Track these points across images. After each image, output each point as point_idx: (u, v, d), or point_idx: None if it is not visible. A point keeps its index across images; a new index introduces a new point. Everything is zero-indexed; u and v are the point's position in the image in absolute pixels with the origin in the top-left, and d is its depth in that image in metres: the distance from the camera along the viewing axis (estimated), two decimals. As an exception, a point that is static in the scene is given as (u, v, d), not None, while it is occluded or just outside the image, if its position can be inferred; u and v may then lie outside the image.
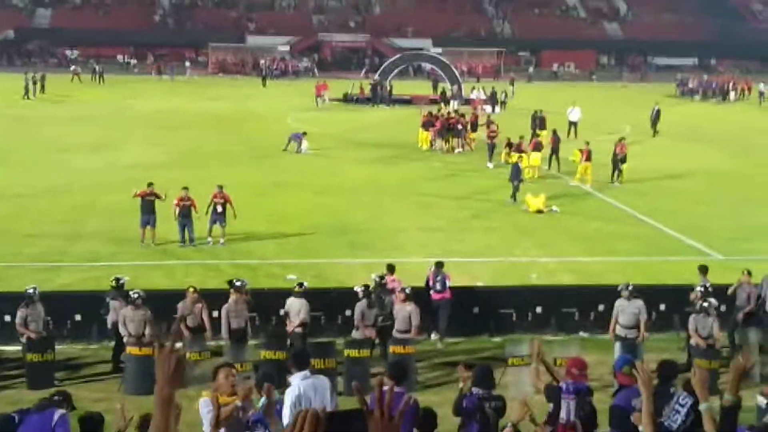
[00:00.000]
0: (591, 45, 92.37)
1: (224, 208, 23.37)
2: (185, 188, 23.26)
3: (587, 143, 32.47)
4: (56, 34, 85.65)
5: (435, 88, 62.37)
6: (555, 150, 35.12)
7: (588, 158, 32.05)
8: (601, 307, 17.68)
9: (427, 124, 40.62)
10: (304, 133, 39.01)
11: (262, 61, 79.07)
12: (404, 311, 15.81)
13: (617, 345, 15.54)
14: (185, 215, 23.06)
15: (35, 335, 15.34)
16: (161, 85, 68.90)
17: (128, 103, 55.25)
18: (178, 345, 3.79)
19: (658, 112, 46.24)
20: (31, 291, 15.64)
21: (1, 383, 15.22)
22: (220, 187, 23.69)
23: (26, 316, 15.40)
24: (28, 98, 55.97)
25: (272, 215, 26.85)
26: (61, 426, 9.45)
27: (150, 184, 23.44)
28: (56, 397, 9.93)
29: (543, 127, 40.30)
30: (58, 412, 9.55)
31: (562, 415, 10.14)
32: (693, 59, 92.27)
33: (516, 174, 29.11)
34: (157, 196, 23.15)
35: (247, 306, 16.04)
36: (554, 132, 36.03)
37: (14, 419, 9.57)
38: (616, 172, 32.70)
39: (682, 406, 9.41)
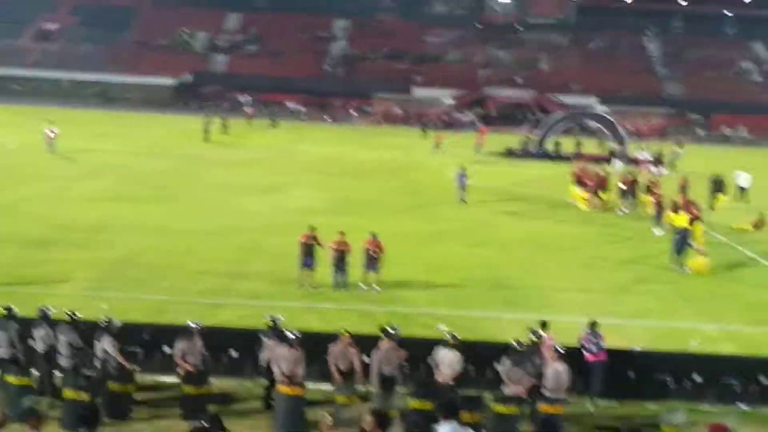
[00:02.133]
0: (766, 110, 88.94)
1: (377, 256, 23.76)
2: (341, 233, 23.79)
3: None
4: (231, 79, 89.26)
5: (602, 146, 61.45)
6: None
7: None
8: (764, 380, 16.89)
9: (580, 181, 40.07)
10: (464, 168, 39.33)
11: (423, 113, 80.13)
12: (555, 370, 15.53)
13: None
14: (340, 259, 23.55)
15: (192, 368, 15.86)
16: (327, 133, 70.52)
17: (296, 149, 56.84)
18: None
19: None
20: (191, 325, 16.19)
21: (157, 412, 15.77)
22: (374, 234, 24.12)
23: (185, 349, 15.95)
24: (206, 140, 58.33)
25: (427, 265, 26.96)
26: None
27: (312, 228, 24.06)
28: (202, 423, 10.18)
29: (721, 190, 39.40)
30: None
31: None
32: None
33: (683, 239, 28.20)
34: (317, 242, 23.73)
35: (399, 354, 16.07)
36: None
37: None
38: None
39: None
